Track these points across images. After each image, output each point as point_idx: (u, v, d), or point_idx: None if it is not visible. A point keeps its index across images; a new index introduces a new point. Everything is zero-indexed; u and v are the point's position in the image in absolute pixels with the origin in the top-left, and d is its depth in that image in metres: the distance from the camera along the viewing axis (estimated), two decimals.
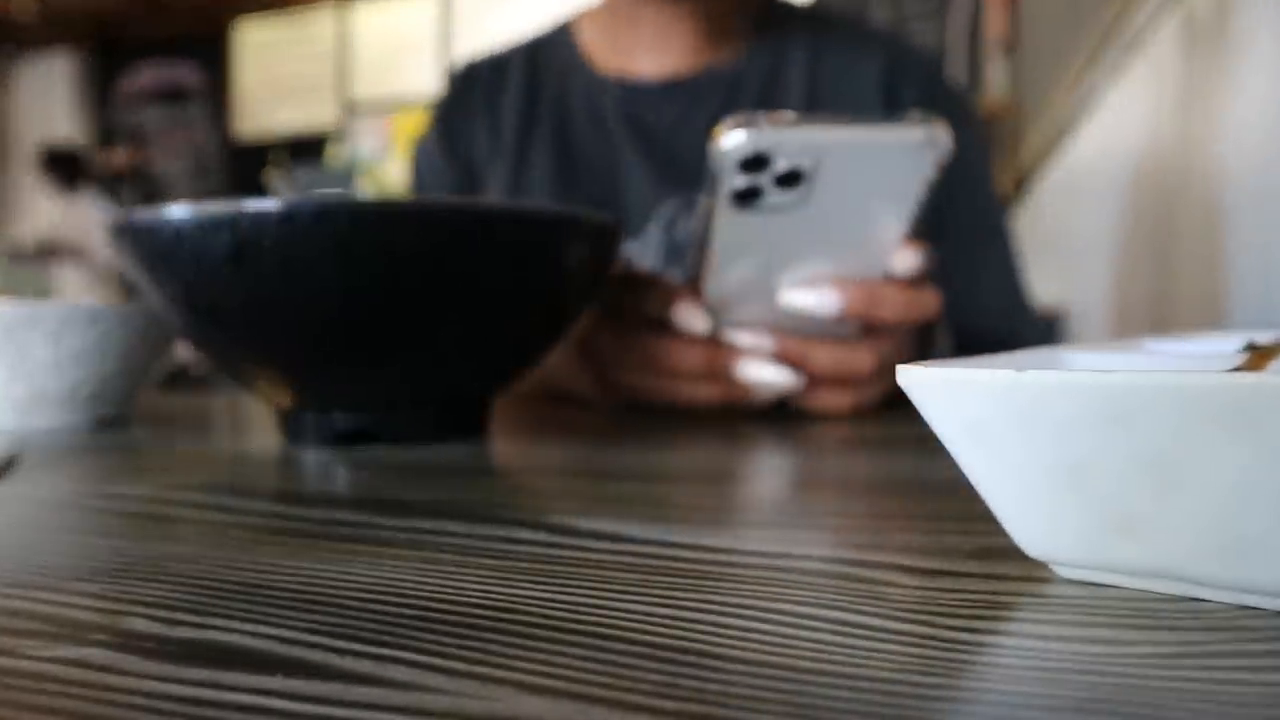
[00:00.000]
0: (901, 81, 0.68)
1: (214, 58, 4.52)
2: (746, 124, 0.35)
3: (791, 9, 0.73)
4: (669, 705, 0.13)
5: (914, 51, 0.71)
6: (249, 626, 0.16)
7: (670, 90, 0.69)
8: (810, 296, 0.42)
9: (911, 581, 0.18)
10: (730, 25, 0.70)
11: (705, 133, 0.64)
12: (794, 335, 0.45)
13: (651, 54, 0.70)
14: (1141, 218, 1.02)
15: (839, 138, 0.35)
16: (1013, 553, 0.19)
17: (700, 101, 0.69)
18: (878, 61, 0.68)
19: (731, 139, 0.35)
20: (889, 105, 0.67)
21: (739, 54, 0.70)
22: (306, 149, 4.27)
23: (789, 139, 0.35)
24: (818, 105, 0.68)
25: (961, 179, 0.65)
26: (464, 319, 0.36)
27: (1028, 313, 0.69)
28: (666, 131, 0.69)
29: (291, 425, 0.39)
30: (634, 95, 0.70)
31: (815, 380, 0.45)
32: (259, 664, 0.14)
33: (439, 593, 0.18)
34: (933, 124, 0.35)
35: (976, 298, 0.66)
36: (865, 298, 0.42)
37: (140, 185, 4.59)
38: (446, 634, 0.16)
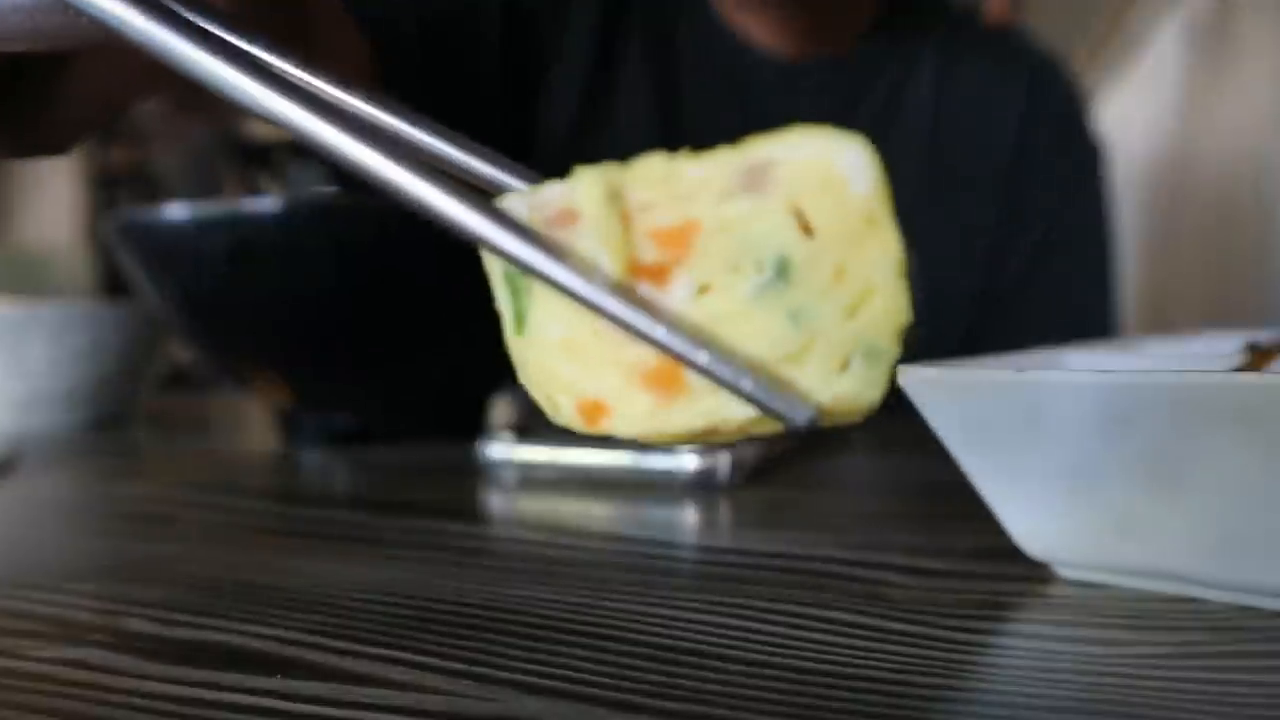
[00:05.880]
0: (1038, 119, 0.57)
1: None
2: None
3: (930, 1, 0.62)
4: (669, 705, 0.13)
5: (1059, 80, 0.60)
6: (248, 627, 0.16)
7: (788, 74, 0.56)
8: None
9: (911, 581, 0.18)
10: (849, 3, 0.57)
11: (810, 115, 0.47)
12: None
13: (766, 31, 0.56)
14: (1141, 218, 1.02)
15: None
16: (1013, 553, 0.19)
17: (816, 91, 0.56)
18: (1020, 89, 0.57)
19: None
20: (1021, 141, 0.57)
21: (855, 40, 0.57)
22: (307, 149, 4.28)
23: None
24: (944, 127, 0.56)
25: (1079, 240, 0.60)
26: (462, 319, 0.35)
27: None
28: (773, 104, 0.55)
29: (290, 425, 0.39)
30: (755, 64, 0.56)
31: None
32: (258, 664, 0.14)
33: (438, 593, 0.18)
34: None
35: (1072, 328, 0.61)
36: None
37: (140, 185, 4.61)
38: (446, 634, 0.15)
